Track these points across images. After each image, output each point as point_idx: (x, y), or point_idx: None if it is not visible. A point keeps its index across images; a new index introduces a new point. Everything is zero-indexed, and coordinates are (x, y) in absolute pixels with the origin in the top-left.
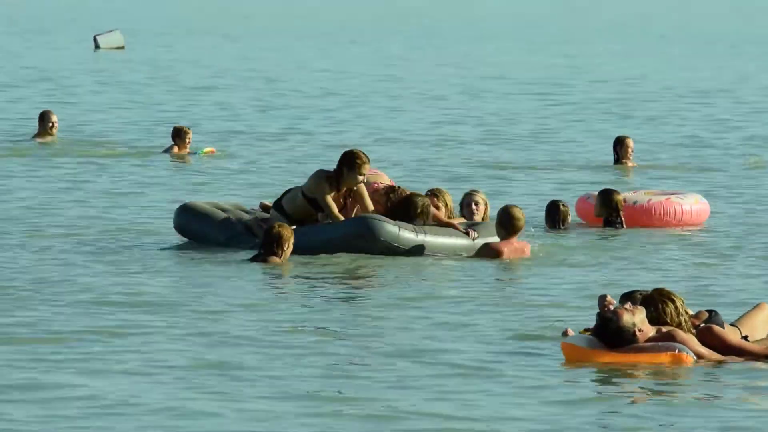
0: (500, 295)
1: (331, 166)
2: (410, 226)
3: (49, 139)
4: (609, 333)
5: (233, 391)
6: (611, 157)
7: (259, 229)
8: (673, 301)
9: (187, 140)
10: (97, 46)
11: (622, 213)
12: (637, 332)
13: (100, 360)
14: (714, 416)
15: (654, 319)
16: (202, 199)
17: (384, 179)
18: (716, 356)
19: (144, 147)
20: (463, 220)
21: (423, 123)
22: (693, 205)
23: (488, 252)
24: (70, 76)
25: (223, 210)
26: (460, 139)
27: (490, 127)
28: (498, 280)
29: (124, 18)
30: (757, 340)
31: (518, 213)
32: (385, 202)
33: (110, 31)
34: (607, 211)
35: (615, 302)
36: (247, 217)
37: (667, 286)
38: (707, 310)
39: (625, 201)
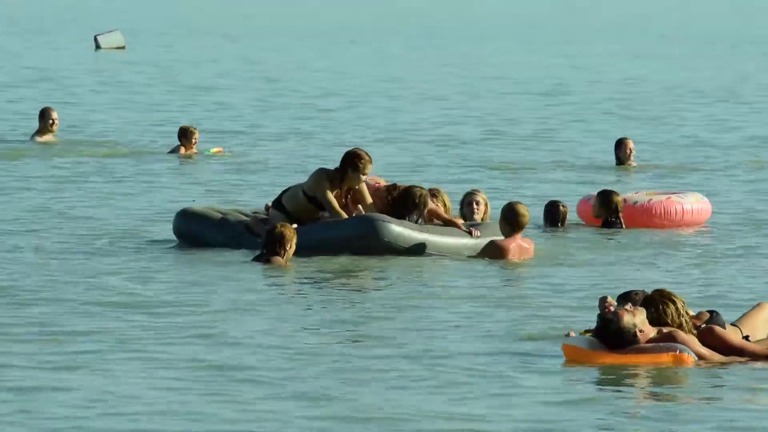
0: (501, 295)
1: (331, 167)
2: (414, 225)
3: (50, 136)
4: (610, 334)
5: (236, 391)
6: (612, 158)
7: (259, 229)
8: (674, 302)
9: (194, 140)
10: (97, 46)
11: (620, 214)
12: (638, 333)
13: (102, 361)
14: (715, 417)
15: (655, 320)
16: (206, 200)
17: (381, 184)
18: (717, 357)
19: (147, 148)
20: (461, 220)
21: (423, 123)
22: (694, 204)
23: (494, 249)
24: (70, 76)
25: (222, 213)
26: (461, 139)
27: (490, 127)
28: (499, 280)
29: (124, 18)
30: (758, 341)
31: (522, 209)
32: (385, 197)
33: (111, 31)
34: (606, 212)
35: (615, 303)
36: (246, 217)
37: (668, 287)
38: (708, 311)
39: (625, 201)
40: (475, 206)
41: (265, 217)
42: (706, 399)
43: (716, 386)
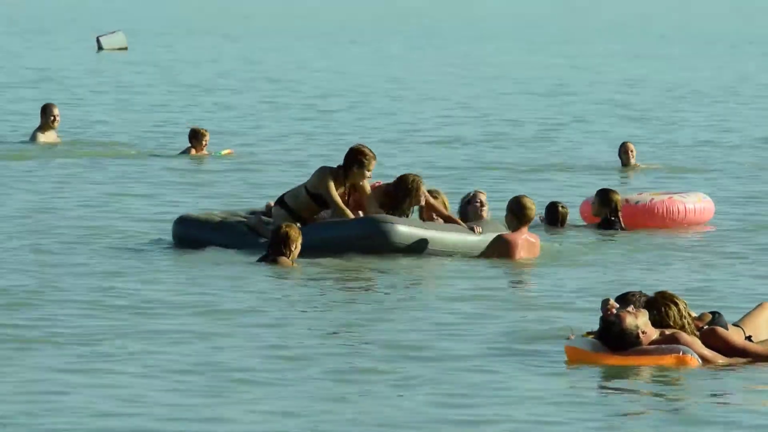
0: (502, 296)
1: (333, 166)
2: (419, 222)
3: (51, 133)
4: (612, 336)
5: (240, 392)
6: (614, 159)
7: (263, 229)
8: (676, 304)
9: (204, 142)
10: (99, 47)
11: (620, 213)
12: (641, 335)
13: (105, 361)
14: (718, 417)
15: (657, 322)
16: (208, 201)
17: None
18: (721, 358)
19: (150, 149)
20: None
21: (423, 123)
22: (696, 203)
23: (502, 244)
24: (73, 77)
25: (221, 216)
26: (461, 139)
27: (490, 127)
28: (500, 281)
29: (124, 18)
30: (762, 341)
31: (529, 202)
32: (382, 193)
33: (113, 32)
34: (606, 210)
35: (617, 306)
36: (244, 218)
37: (670, 287)
38: (710, 312)
39: (627, 201)
40: (478, 205)
41: (266, 218)
42: (708, 400)
43: (719, 387)
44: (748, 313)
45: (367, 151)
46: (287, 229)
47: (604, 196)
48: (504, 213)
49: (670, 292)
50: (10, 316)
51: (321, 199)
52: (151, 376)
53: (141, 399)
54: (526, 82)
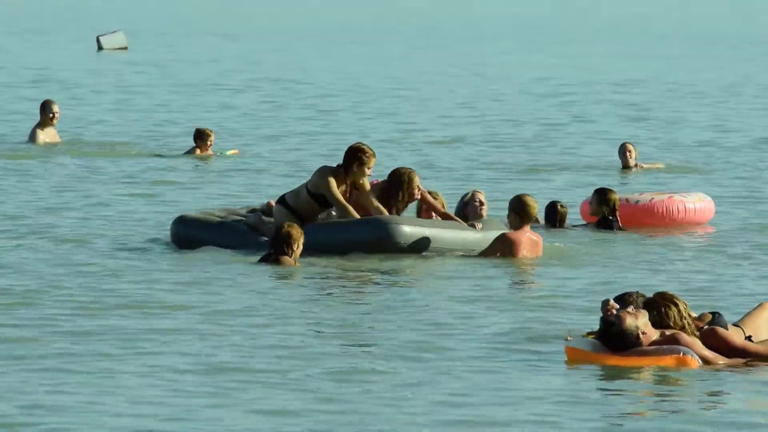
0: (503, 296)
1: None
2: (421, 221)
3: (51, 129)
4: (612, 337)
5: (240, 392)
6: (614, 159)
7: (264, 227)
8: (676, 305)
9: (209, 142)
10: (100, 47)
11: (617, 213)
12: (641, 335)
13: (105, 361)
14: (718, 418)
15: (657, 322)
16: (210, 202)
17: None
18: (721, 359)
19: (152, 149)
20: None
21: (423, 124)
22: (696, 203)
23: (505, 242)
24: (73, 77)
25: (219, 216)
26: (461, 139)
27: (490, 127)
28: (500, 281)
29: (125, 18)
30: (762, 341)
31: (531, 201)
32: (379, 189)
33: (113, 32)
34: (604, 209)
35: (618, 306)
36: (242, 216)
37: (671, 287)
38: (710, 312)
39: (627, 200)
40: (477, 204)
41: (267, 219)
42: (709, 400)
43: (719, 387)
44: (748, 313)
45: (366, 148)
46: (289, 228)
47: (602, 195)
48: (504, 213)
49: (670, 292)
50: (10, 316)
51: (322, 199)
52: (152, 376)
53: (141, 399)
54: (526, 82)
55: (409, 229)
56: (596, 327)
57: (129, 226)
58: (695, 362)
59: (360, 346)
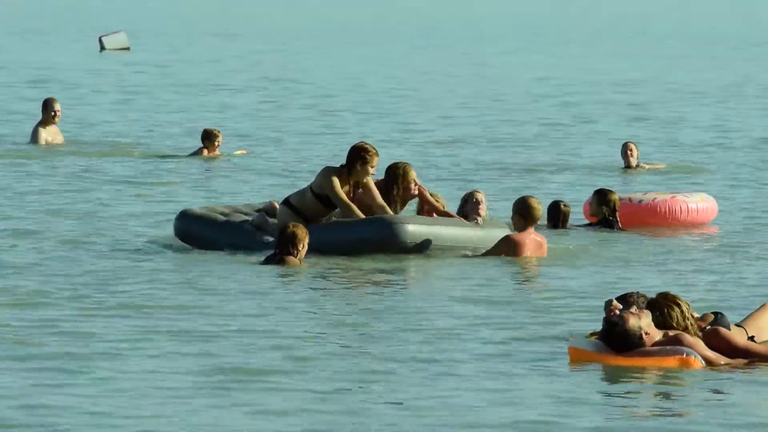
0: (505, 296)
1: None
2: (425, 219)
3: (53, 127)
4: (615, 337)
5: (246, 393)
6: (615, 159)
7: (269, 227)
8: (679, 305)
9: (217, 143)
10: (102, 48)
11: (617, 213)
12: (644, 336)
13: (105, 361)
14: (720, 418)
15: (660, 323)
16: (212, 202)
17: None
18: (724, 360)
19: (156, 149)
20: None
21: (423, 124)
22: (699, 203)
23: (509, 244)
24: (75, 77)
25: (224, 214)
26: (461, 139)
27: (490, 127)
28: (502, 281)
29: (126, 18)
30: (764, 342)
31: (535, 202)
32: (379, 189)
33: (115, 33)
34: (604, 210)
35: (621, 307)
36: (247, 215)
37: (673, 287)
38: (713, 312)
39: (630, 200)
40: (476, 204)
41: (271, 220)
42: (711, 401)
43: (722, 388)
44: (751, 314)
45: (369, 147)
46: (294, 228)
47: (602, 196)
48: (505, 214)
49: (673, 293)
50: (10, 316)
51: (327, 200)
52: (152, 375)
53: (141, 399)
54: (526, 82)
55: (414, 227)
56: (599, 327)
57: (131, 227)
58: (698, 363)
59: (363, 346)
